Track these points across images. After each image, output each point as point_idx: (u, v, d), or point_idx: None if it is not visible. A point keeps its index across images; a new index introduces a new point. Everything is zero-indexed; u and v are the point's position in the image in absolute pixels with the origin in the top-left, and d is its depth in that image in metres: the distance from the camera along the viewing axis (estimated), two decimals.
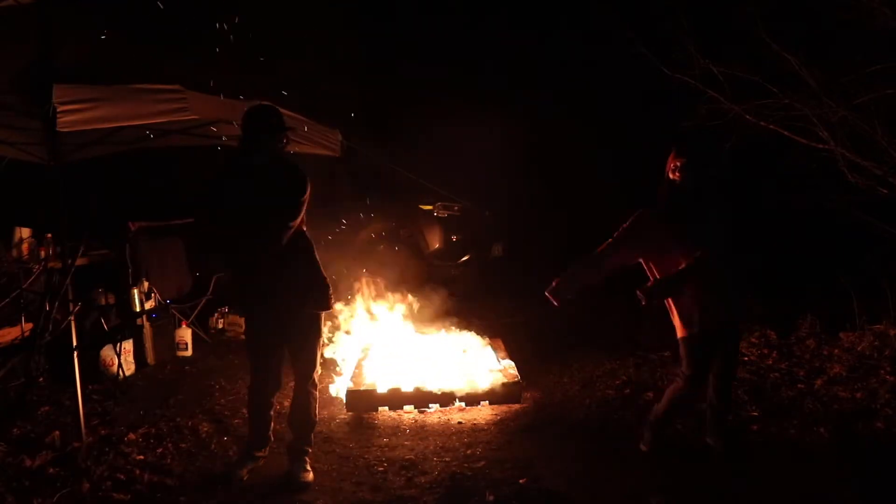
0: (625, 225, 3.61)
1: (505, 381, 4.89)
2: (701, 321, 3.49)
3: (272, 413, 3.70)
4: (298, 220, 3.38)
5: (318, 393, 3.64)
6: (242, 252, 3.41)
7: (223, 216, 3.39)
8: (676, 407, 3.74)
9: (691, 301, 3.51)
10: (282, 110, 3.59)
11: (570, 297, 3.61)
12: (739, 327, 3.83)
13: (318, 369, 3.62)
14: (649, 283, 3.56)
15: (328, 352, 5.52)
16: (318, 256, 3.52)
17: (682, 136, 3.74)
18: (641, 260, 3.62)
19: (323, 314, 3.58)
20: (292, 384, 3.65)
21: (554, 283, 3.61)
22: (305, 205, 3.41)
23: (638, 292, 3.49)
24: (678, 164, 3.51)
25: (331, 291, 3.53)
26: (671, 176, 3.54)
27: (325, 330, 3.93)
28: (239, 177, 3.40)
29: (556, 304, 3.59)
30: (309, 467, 3.57)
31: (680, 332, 3.61)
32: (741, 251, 3.64)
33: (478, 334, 5.96)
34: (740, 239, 3.64)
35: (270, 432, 3.72)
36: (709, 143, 5.46)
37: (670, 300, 3.60)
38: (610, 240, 3.60)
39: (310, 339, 3.53)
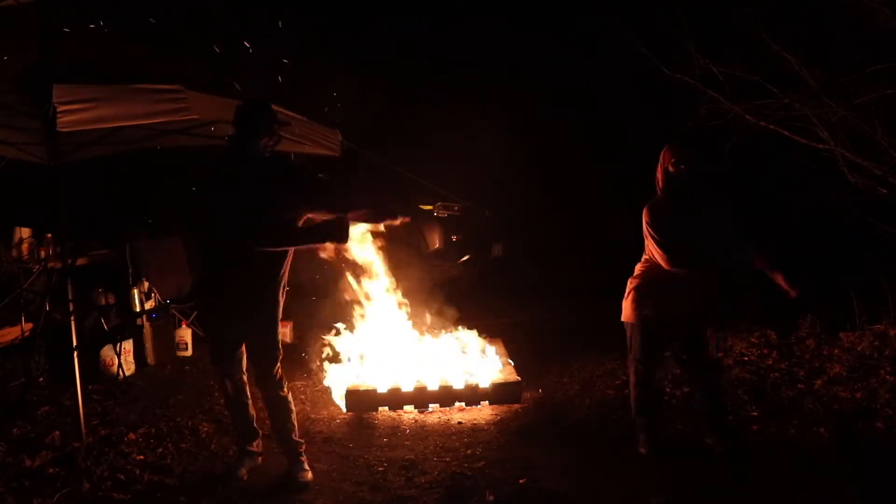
0: (647, 219, 3.65)
1: (505, 381, 4.89)
2: (651, 314, 3.63)
3: (249, 401, 3.62)
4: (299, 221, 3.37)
5: (289, 402, 3.52)
6: (235, 251, 3.32)
7: (213, 215, 3.37)
8: (643, 401, 3.82)
9: (651, 292, 3.62)
10: (282, 110, 3.58)
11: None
12: (707, 327, 3.83)
13: (282, 380, 3.47)
14: None
15: (326, 353, 5.52)
16: (286, 269, 3.44)
17: (676, 133, 3.79)
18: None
19: (279, 316, 3.46)
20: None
21: None
22: (300, 203, 3.39)
23: None
24: (673, 160, 3.55)
25: (280, 306, 3.43)
26: (671, 170, 3.58)
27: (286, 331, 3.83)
28: (230, 175, 3.36)
29: None
30: (308, 467, 3.57)
31: (625, 315, 3.78)
32: (738, 251, 3.65)
33: (478, 334, 5.95)
34: (738, 239, 3.65)
35: (255, 423, 3.67)
36: (703, 140, 5.49)
37: (633, 283, 3.74)
38: (658, 238, 3.60)
39: (266, 352, 3.41)
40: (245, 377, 3.59)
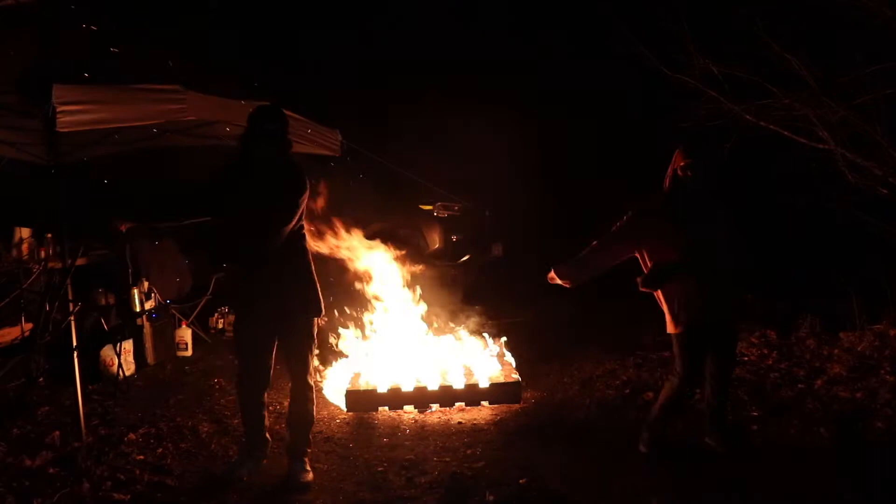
0: (625, 218, 3.66)
1: (505, 381, 4.89)
2: (688, 319, 3.55)
3: (266, 412, 3.68)
4: (295, 220, 3.38)
5: (314, 395, 3.62)
6: (241, 251, 3.41)
7: (224, 214, 3.40)
8: (671, 406, 3.77)
9: (680, 298, 3.56)
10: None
11: (576, 283, 3.76)
12: (736, 328, 3.82)
13: (313, 370, 3.61)
14: (647, 272, 3.64)
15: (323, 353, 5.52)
16: (312, 260, 3.53)
17: (689, 136, 3.74)
18: (637, 253, 3.69)
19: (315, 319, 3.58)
20: (290, 385, 3.65)
21: (564, 267, 3.76)
22: (304, 204, 3.42)
23: (637, 280, 3.62)
24: (687, 163, 3.53)
25: (321, 298, 3.54)
26: (679, 174, 3.55)
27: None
28: (240, 175, 3.41)
29: (567, 285, 3.77)
30: (309, 467, 3.57)
31: (669, 328, 3.68)
32: (742, 251, 3.65)
33: (478, 334, 5.95)
34: (741, 239, 3.66)
35: (267, 432, 3.71)
36: (714, 143, 5.49)
37: (661, 296, 3.67)
38: (612, 230, 3.68)
39: (303, 341, 3.53)
40: (266, 388, 3.63)
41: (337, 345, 5.67)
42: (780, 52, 5.37)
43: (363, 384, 4.85)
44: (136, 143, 5.34)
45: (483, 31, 10.35)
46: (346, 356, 5.48)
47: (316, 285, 3.53)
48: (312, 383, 3.60)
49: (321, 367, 5.40)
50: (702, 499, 3.31)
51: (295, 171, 3.43)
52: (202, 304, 6.48)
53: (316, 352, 5.34)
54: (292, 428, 3.61)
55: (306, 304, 3.49)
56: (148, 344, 5.90)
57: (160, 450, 3.93)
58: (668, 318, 3.67)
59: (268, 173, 3.36)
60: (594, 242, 3.71)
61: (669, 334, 3.70)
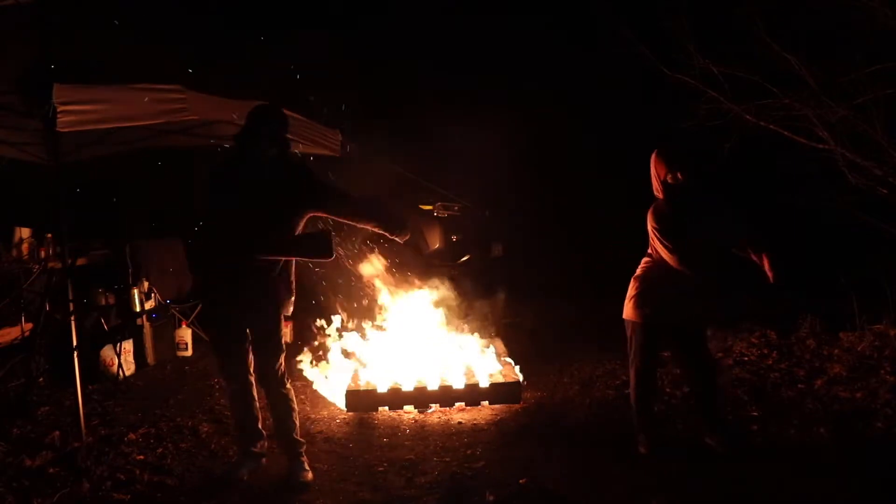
0: (654, 224, 3.62)
1: (505, 381, 4.89)
2: (654, 313, 3.61)
3: (256, 402, 3.62)
4: (293, 224, 3.37)
5: (290, 402, 3.55)
6: (235, 252, 3.33)
7: (218, 217, 3.37)
8: (645, 402, 3.81)
9: (656, 292, 3.62)
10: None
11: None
12: (704, 328, 3.82)
13: (283, 375, 3.51)
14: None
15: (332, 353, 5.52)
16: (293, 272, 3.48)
17: (661, 142, 3.71)
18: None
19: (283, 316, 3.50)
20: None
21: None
22: (305, 207, 3.39)
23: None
24: (668, 171, 3.55)
25: (292, 299, 3.48)
26: (671, 181, 3.55)
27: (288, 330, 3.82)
28: (237, 177, 3.37)
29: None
30: (308, 467, 3.57)
31: (628, 314, 3.75)
32: (738, 253, 3.66)
33: (478, 334, 5.95)
34: (740, 240, 3.66)
35: (261, 425, 3.67)
36: (691, 139, 5.50)
37: (637, 281, 3.73)
38: (668, 244, 3.57)
39: (268, 347, 3.46)
40: (252, 377, 3.58)
41: (337, 344, 5.67)
42: (780, 52, 5.37)
43: (363, 384, 4.85)
44: (136, 143, 5.34)
45: (484, 30, 10.35)
46: (347, 356, 5.48)
47: (280, 288, 3.42)
48: (285, 391, 3.52)
49: (308, 378, 5.40)
50: (702, 499, 3.31)
51: (296, 172, 3.41)
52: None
53: (303, 358, 5.38)
54: (278, 435, 3.59)
55: (268, 304, 3.40)
56: (148, 344, 5.90)
57: (160, 450, 3.93)
58: (631, 302, 3.73)
59: (267, 175, 3.33)
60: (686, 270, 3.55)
61: (625, 319, 3.77)
